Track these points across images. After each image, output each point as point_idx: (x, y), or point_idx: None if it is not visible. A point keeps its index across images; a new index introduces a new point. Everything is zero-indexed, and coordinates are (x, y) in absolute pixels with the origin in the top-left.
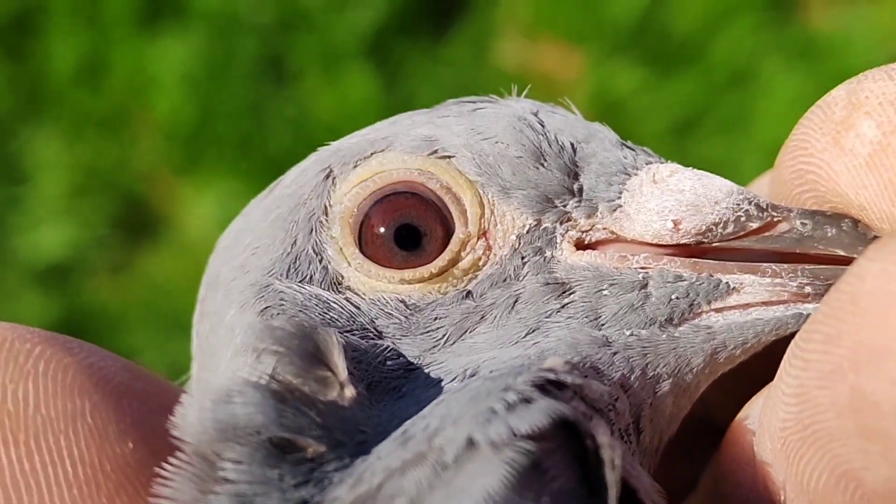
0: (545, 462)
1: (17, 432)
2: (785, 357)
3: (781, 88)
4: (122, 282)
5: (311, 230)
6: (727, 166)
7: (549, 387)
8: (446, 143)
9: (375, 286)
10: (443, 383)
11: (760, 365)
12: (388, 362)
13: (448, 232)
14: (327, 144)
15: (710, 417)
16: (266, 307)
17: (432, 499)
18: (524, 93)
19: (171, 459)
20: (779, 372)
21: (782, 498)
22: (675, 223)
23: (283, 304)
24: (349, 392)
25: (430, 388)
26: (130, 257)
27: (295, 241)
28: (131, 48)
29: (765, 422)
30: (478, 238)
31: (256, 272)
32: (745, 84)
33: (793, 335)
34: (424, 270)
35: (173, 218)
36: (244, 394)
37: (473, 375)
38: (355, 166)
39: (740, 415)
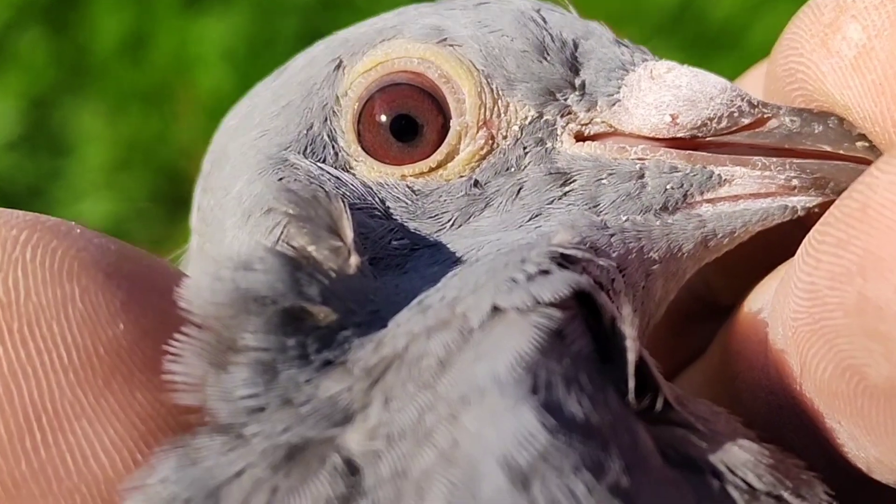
0: (566, 328)
1: (10, 321)
2: (798, 254)
3: None
4: (162, 255)
5: (326, 118)
6: None
7: (562, 260)
8: (454, 32)
9: (380, 177)
10: (448, 261)
11: (758, 248)
12: (394, 242)
13: (445, 123)
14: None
15: (712, 296)
16: (281, 177)
17: (461, 358)
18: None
19: (178, 335)
20: (792, 266)
21: (797, 380)
22: (673, 117)
23: (297, 175)
24: (355, 260)
25: (434, 265)
26: (170, 231)
27: (311, 126)
28: (175, 24)
29: (777, 310)
30: (478, 128)
31: (271, 148)
32: None
33: (780, 225)
34: (423, 165)
35: None
36: (265, 261)
37: (479, 253)
38: (363, 55)
39: (751, 302)
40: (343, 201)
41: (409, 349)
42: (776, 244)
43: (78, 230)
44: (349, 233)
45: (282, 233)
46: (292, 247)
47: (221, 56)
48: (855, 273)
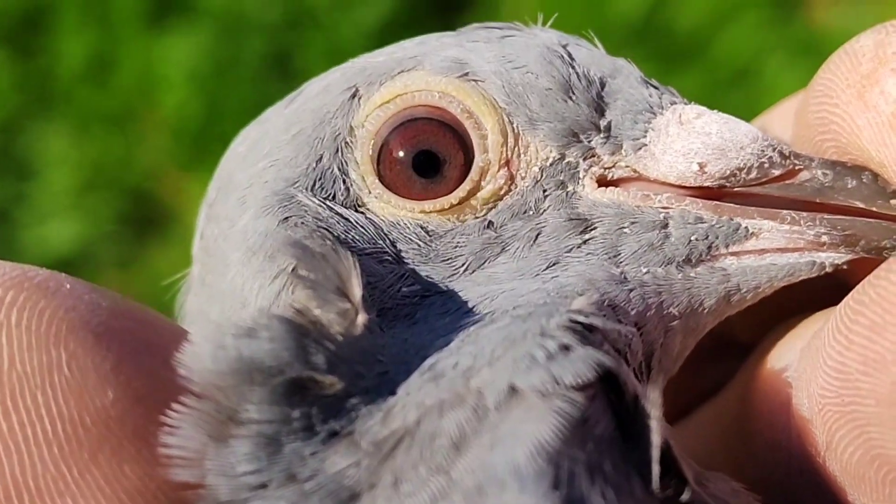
0: (588, 411)
1: None
2: (829, 328)
3: (785, 86)
4: (130, 277)
5: (338, 150)
6: None
7: (583, 330)
8: (476, 67)
9: (395, 213)
10: (460, 311)
11: (781, 290)
12: (404, 288)
13: (468, 159)
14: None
15: (729, 333)
16: (288, 216)
17: (477, 442)
18: (549, 23)
19: (175, 404)
20: (822, 338)
21: (821, 454)
22: (701, 165)
23: (304, 217)
24: (362, 318)
25: (446, 315)
26: (137, 253)
27: (320, 158)
28: (139, 45)
29: (803, 379)
30: (499, 167)
31: (279, 182)
32: (749, 81)
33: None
34: (444, 201)
35: (180, 213)
36: (270, 328)
37: (493, 304)
38: (380, 86)
39: (775, 358)
40: (352, 257)
41: (421, 425)
42: (798, 283)
43: (68, 285)
44: (358, 291)
45: (286, 285)
46: (297, 310)
47: (186, 76)
48: (890, 362)
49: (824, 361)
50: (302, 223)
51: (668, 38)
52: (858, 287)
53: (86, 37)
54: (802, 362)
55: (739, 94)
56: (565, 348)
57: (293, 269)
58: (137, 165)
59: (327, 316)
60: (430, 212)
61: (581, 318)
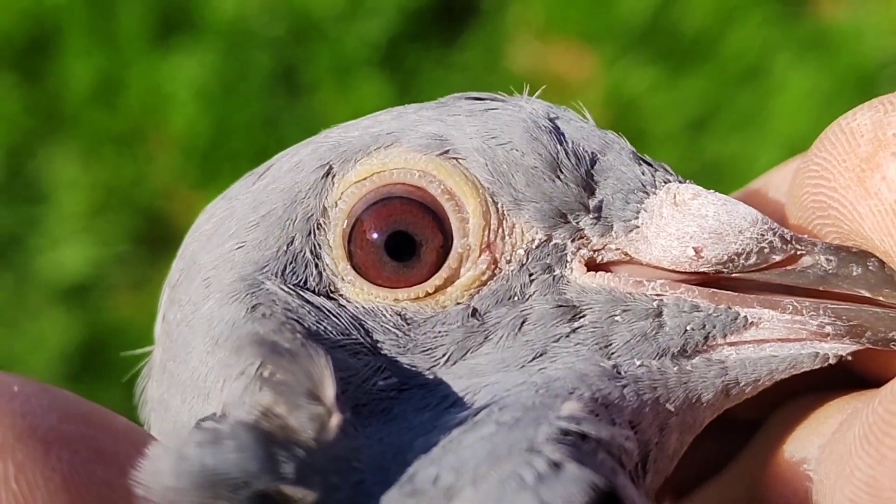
0: None
1: None
2: (856, 436)
3: (794, 83)
4: (144, 298)
5: (310, 232)
6: (742, 162)
7: (574, 440)
8: (458, 144)
9: (370, 299)
10: (441, 407)
11: None
12: (380, 381)
13: (446, 243)
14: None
15: (730, 410)
16: (256, 304)
17: None
18: (536, 94)
19: None
20: (847, 444)
21: None
22: (697, 250)
23: (273, 306)
24: (336, 420)
25: (425, 410)
26: (151, 273)
27: (292, 241)
28: (146, 66)
29: (826, 485)
30: (480, 251)
31: (246, 266)
32: (758, 79)
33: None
34: (419, 289)
35: None
36: (236, 436)
37: (475, 399)
38: (356, 163)
39: (793, 448)
40: (324, 352)
41: None
42: None
43: (15, 387)
44: (331, 392)
45: (252, 384)
46: (265, 413)
47: (194, 94)
48: None
49: (852, 472)
50: (271, 314)
51: (675, 38)
52: (887, 393)
53: (92, 59)
54: (825, 465)
55: (749, 93)
56: (556, 466)
57: (260, 370)
58: (148, 186)
59: (298, 421)
60: (404, 300)
61: (572, 427)
